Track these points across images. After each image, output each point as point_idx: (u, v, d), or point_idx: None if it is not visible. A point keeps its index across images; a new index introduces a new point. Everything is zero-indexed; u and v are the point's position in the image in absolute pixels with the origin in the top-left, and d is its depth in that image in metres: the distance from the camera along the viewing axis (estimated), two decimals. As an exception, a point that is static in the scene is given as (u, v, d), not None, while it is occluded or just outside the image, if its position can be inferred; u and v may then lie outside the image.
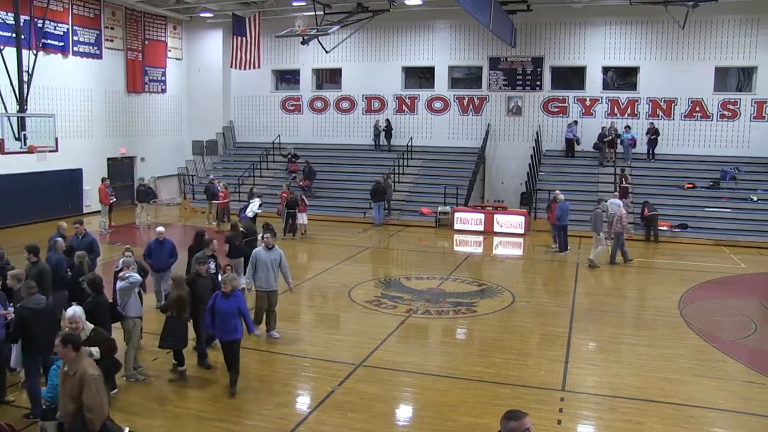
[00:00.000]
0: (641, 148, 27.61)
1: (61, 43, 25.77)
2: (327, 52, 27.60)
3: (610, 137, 27.53)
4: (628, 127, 27.67)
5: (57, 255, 11.77)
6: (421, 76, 32.34)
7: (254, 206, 21.26)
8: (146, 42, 30.43)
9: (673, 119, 28.01)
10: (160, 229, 13.53)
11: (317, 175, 29.14)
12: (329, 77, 33.93)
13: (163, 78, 32.00)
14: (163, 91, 32.17)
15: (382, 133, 31.07)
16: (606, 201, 20.33)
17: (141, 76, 30.36)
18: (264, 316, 12.05)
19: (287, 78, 34.35)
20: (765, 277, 18.41)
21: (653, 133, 27.16)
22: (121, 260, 10.70)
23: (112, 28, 28.46)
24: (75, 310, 7.62)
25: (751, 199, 24.38)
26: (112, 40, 28.50)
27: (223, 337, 9.56)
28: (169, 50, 32.29)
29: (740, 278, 18.26)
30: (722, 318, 14.28)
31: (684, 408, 9.34)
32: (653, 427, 8.68)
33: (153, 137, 31.59)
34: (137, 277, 9.98)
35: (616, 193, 22.38)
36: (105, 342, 7.91)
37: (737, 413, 9.24)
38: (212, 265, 11.57)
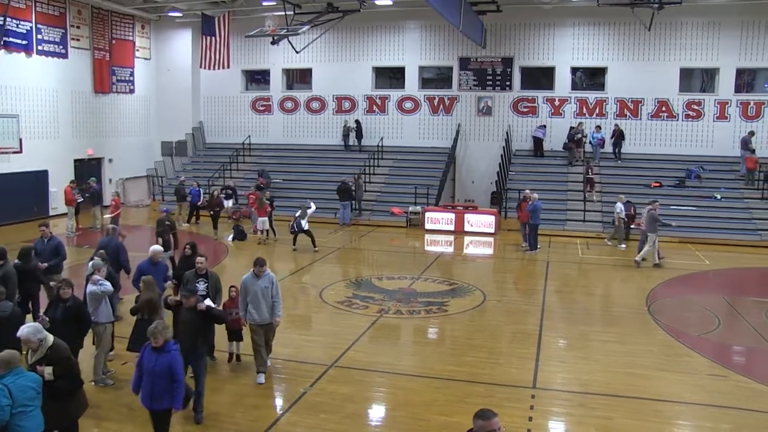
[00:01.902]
0: (609, 148, 27.95)
1: (25, 42, 25.32)
2: (297, 52, 27.51)
3: (579, 136, 27.83)
4: (598, 127, 28.01)
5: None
6: (391, 76, 32.39)
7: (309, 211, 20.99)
8: (113, 41, 30.03)
9: (640, 119, 28.45)
10: (156, 248, 11.89)
11: (290, 176, 29.09)
12: (299, 77, 33.82)
13: (131, 78, 31.62)
14: (132, 91, 31.79)
15: (352, 133, 31.06)
16: (657, 202, 20.43)
17: (108, 76, 29.97)
18: (261, 353, 10.05)
19: (257, 78, 34.17)
20: (729, 274, 18.78)
21: (618, 136, 27.46)
22: (90, 263, 10.51)
23: (78, 27, 28.03)
24: (27, 330, 6.95)
25: (715, 198, 24.84)
26: (78, 39, 28.07)
27: (147, 404, 7.52)
28: (137, 50, 31.91)
29: (705, 275, 18.59)
30: (688, 314, 14.54)
31: (652, 402, 9.50)
32: (622, 422, 8.82)
33: (121, 138, 31.19)
34: (109, 287, 9.83)
35: (622, 196, 22.43)
36: (62, 362, 7.01)
37: (702, 405, 9.45)
38: (202, 287, 10.32)
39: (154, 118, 33.43)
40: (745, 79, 28.31)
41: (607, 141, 27.97)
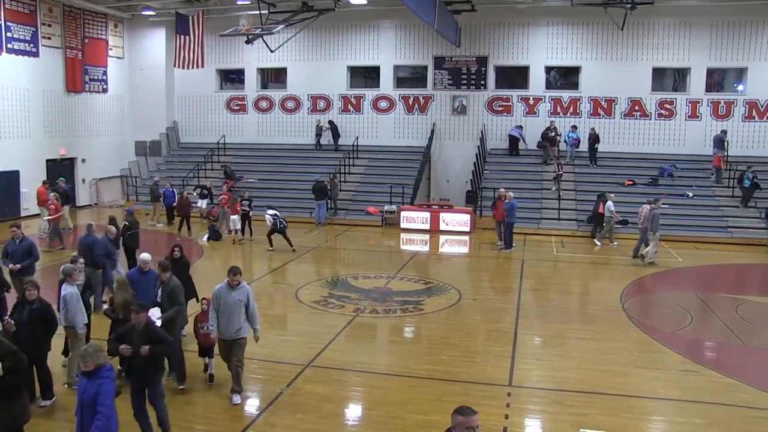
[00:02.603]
0: (584, 147, 28.14)
1: (-6, 40, 24.93)
2: (272, 51, 27.38)
3: (552, 134, 28.01)
4: (574, 127, 28.18)
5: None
6: (366, 76, 32.36)
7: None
8: (86, 40, 29.62)
9: (614, 118, 28.73)
10: (145, 256, 10.86)
11: (265, 175, 29.01)
12: (274, 77, 33.68)
13: (104, 77, 31.22)
14: (105, 90, 31.38)
15: (326, 133, 30.97)
16: (660, 200, 20.61)
17: (81, 75, 29.54)
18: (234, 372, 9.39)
19: (232, 77, 33.95)
20: (701, 270, 19.01)
21: (594, 140, 27.58)
22: (61, 268, 10.17)
23: (49, 25, 27.58)
24: None
25: (687, 195, 25.14)
26: (49, 38, 27.62)
27: None
28: (111, 49, 31.51)
29: (678, 272, 18.82)
30: (662, 311, 14.73)
31: (626, 398, 9.58)
32: (597, 418, 8.88)
33: (94, 138, 30.78)
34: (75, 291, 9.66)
35: (611, 195, 22.64)
36: (8, 356, 6.87)
37: (674, 401, 9.56)
38: (160, 293, 9.77)
39: (127, 117, 33.05)
40: (716, 79, 28.80)
41: (584, 143, 28.10)
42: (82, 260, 11.51)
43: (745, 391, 9.85)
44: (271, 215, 20.40)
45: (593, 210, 23.30)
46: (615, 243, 22.11)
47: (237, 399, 9.23)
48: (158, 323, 9.11)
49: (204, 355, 10.07)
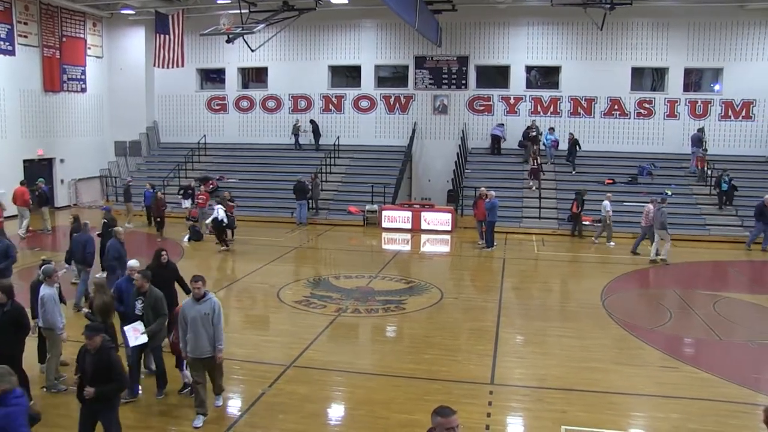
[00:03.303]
0: (563, 146, 28.28)
1: (-32, 38, 24.59)
2: (252, 50, 27.22)
3: (534, 134, 28.15)
4: (552, 129, 28.30)
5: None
6: (347, 75, 32.33)
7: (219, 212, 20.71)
8: (64, 39, 29.29)
9: (594, 117, 28.95)
10: (134, 263, 10.41)
11: (246, 175, 28.98)
12: (255, 76, 33.55)
13: (82, 77, 30.91)
14: (83, 90, 31.06)
15: (306, 133, 30.88)
16: (666, 200, 21.07)
17: (59, 75, 29.20)
18: (199, 392, 8.70)
19: (212, 77, 33.77)
20: (680, 268, 19.20)
21: (572, 144, 27.57)
22: (41, 269, 10.03)
23: (25, 24, 27.24)
24: None
25: (666, 194, 25.34)
26: (26, 36, 27.29)
27: None
28: (89, 48, 31.18)
29: (657, 269, 19.00)
30: (641, 308, 14.89)
31: (606, 395, 9.67)
32: (578, 415, 8.96)
33: (73, 138, 30.45)
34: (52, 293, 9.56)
35: (609, 195, 22.82)
36: None
37: (654, 397, 9.68)
38: (139, 306, 9.34)
39: (107, 117, 32.74)
40: (693, 79, 29.16)
41: (563, 144, 28.21)
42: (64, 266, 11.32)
43: (721, 386, 10.01)
44: (218, 215, 20.37)
45: (570, 209, 23.52)
46: (612, 242, 22.27)
47: (199, 422, 8.60)
48: (143, 338, 9.02)
49: (180, 366, 9.65)
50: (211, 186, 26.82)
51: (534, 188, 26.45)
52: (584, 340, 12.22)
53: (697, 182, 26.33)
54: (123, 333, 9.15)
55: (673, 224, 23.27)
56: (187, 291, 10.96)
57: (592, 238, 22.86)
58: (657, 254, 19.48)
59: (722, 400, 9.45)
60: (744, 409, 9.12)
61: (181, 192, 25.99)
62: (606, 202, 22.10)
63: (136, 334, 8.98)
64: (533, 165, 26.88)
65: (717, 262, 20.21)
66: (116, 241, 13.50)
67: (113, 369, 7.23)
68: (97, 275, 14.89)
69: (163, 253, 11.23)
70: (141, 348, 9.28)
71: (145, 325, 9.11)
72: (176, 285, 11.12)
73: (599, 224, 23.44)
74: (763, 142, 27.76)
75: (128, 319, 9.36)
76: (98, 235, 16.17)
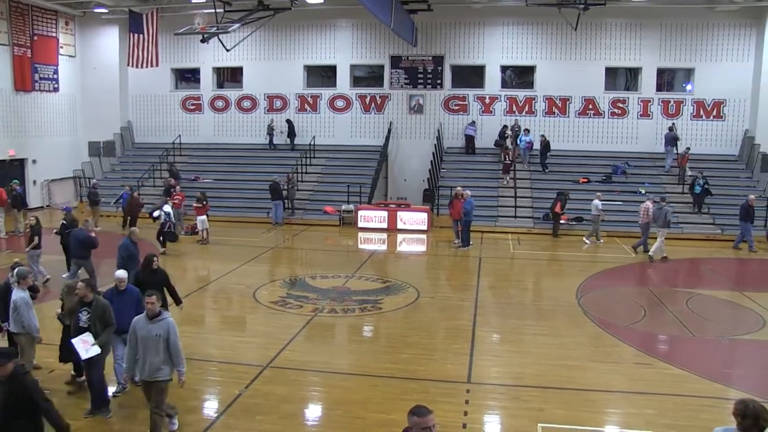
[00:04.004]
0: (539, 147, 28.46)
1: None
2: (228, 50, 27.06)
3: (509, 134, 28.29)
4: (527, 130, 28.39)
5: None
6: (323, 75, 32.25)
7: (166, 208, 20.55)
8: (35, 37, 28.83)
9: (568, 116, 29.17)
10: (122, 274, 9.76)
11: (221, 175, 28.75)
12: (230, 76, 33.32)
13: (55, 76, 30.46)
14: (56, 89, 30.62)
15: (282, 134, 30.75)
16: (666, 199, 21.36)
17: (30, 74, 28.75)
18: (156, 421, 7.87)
19: (187, 77, 33.49)
20: (654, 266, 19.41)
21: (544, 146, 27.61)
22: (15, 271, 9.87)
23: (-6, 22, 26.87)
24: None
25: (640, 192, 25.61)
26: (-5, 35, 26.92)
27: None
28: (61, 47, 30.72)
29: (632, 267, 19.23)
30: (616, 305, 15.02)
31: (583, 392, 9.75)
32: (555, 413, 9.01)
33: (46, 138, 29.99)
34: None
35: (599, 194, 23.11)
36: None
37: (628, 393, 9.76)
38: (84, 318, 8.73)
39: (80, 117, 32.32)
40: (666, 79, 29.53)
41: (538, 147, 28.36)
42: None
43: (694, 381, 10.15)
44: (165, 212, 20.23)
45: (551, 208, 23.64)
46: (601, 240, 22.46)
47: (174, 425, 8.28)
48: (95, 350, 8.52)
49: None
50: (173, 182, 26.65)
51: (508, 179, 26.85)
52: (560, 338, 12.30)
53: (678, 182, 26.47)
54: (72, 347, 8.69)
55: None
56: (177, 300, 11.07)
57: (584, 238, 22.87)
58: (657, 250, 19.81)
59: (695, 395, 9.59)
60: (715, 403, 9.26)
61: (164, 193, 25.63)
62: (596, 201, 22.35)
63: (86, 346, 8.50)
64: (505, 160, 27.20)
65: (690, 260, 20.45)
66: (128, 241, 13.67)
67: (31, 395, 6.32)
68: (63, 275, 15.01)
69: (155, 258, 11.00)
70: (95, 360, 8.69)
71: (93, 337, 8.59)
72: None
73: (574, 222, 23.68)
74: (733, 141, 28.20)
75: (75, 332, 8.75)
76: (56, 233, 16.37)
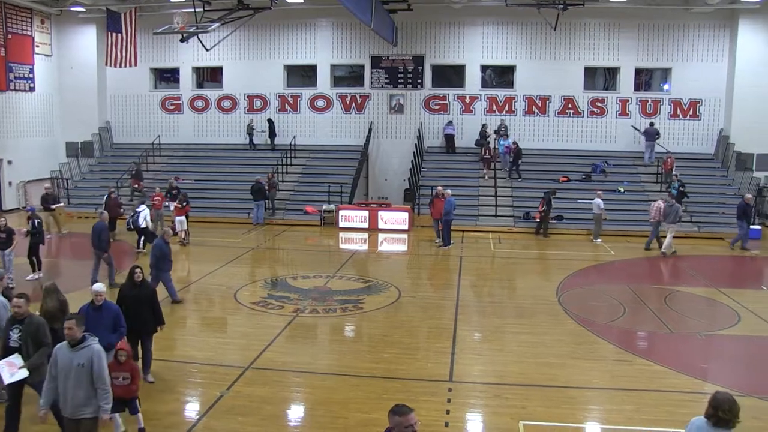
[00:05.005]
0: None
1: None
2: (207, 50, 26.85)
3: (488, 135, 28.39)
4: (506, 135, 28.38)
5: None
6: (303, 75, 32.16)
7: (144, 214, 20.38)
8: (9, 36, 28.42)
9: (548, 116, 29.36)
10: (99, 287, 8.98)
11: (201, 176, 28.62)
12: (210, 76, 33.13)
13: (30, 75, 30.05)
14: (32, 89, 30.21)
15: (263, 133, 30.64)
16: (673, 196, 21.96)
17: (5, 73, 28.32)
18: None
19: (166, 77, 33.26)
20: (633, 263, 19.60)
21: (516, 154, 27.43)
22: None
23: (-33, 20, 26.46)
24: None
25: (619, 191, 25.87)
26: (-33, 33, 26.52)
27: None
28: (37, 45, 30.29)
29: (611, 265, 19.40)
30: (596, 303, 15.12)
31: (564, 390, 9.83)
32: (536, 410, 9.07)
33: (21, 138, 29.60)
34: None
35: (600, 192, 23.21)
36: None
37: (609, 390, 9.91)
38: (15, 336, 7.88)
39: (57, 117, 31.93)
40: (644, 78, 29.85)
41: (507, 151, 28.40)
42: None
43: (672, 377, 10.29)
44: (142, 214, 20.13)
45: (539, 208, 23.79)
46: (598, 239, 22.61)
47: None
48: (22, 373, 7.67)
49: (122, 410, 8.12)
50: (136, 186, 26.45)
51: (487, 177, 27.07)
52: (541, 336, 12.38)
53: (661, 181, 26.63)
54: None
55: (627, 221, 23.92)
56: (159, 319, 10.17)
57: (591, 239, 22.89)
58: (668, 246, 20.40)
59: (673, 391, 9.71)
60: (693, 398, 9.36)
61: (168, 195, 25.32)
62: (598, 200, 22.50)
63: (12, 370, 7.61)
64: (485, 155, 27.42)
65: (668, 257, 20.62)
66: (162, 241, 14.16)
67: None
68: (27, 277, 15.13)
69: (137, 270, 10.05)
70: (20, 385, 7.84)
71: (24, 359, 7.73)
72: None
73: (555, 221, 23.83)
74: (709, 140, 28.54)
75: (4, 353, 7.93)
76: (26, 233, 16.48)
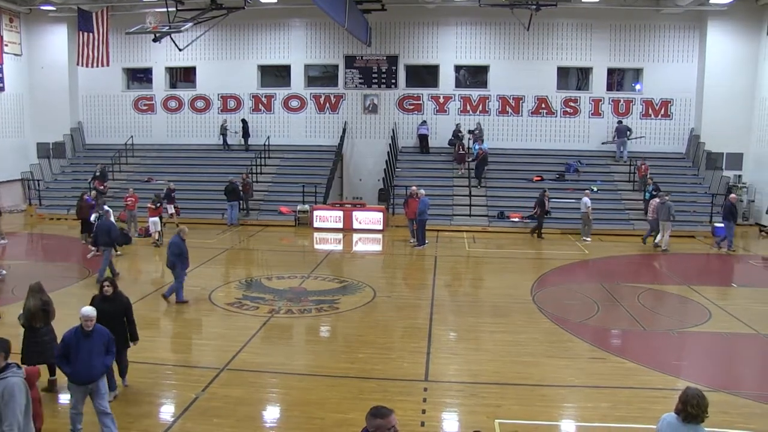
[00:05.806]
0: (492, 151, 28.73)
1: None
2: (180, 50, 26.54)
3: (461, 135, 28.48)
4: (481, 140, 28.39)
5: None
6: (277, 75, 31.99)
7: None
8: (-24, 35, 28.00)
9: (522, 115, 29.54)
10: (88, 311, 8.02)
11: (175, 176, 28.28)
12: (183, 76, 32.83)
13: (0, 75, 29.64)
14: (1, 89, 29.69)
15: (237, 134, 30.45)
16: (669, 194, 22.21)
17: (-28, 73, 27.92)
18: None
19: (139, 77, 32.89)
20: (606, 262, 19.78)
21: (482, 160, 27.39)
22: None
23: (-68, 18, 25.89)
24: None
25: (592, 190, 26.06)
26: (-67, 32, 25.96)
27: None
28: (6, 45, 29.73)
29: (585, 263, 19.56)
30: (570, 302, 15.22)
31: (538, 388, 9.89)
32: (511, 408, 9.11)
33: (-10, 139, 29.18)
34: None
35: (587, 192, 23.58)
36: None
37: (583, 387, 9.97)
38: None
39: (28, 118, 31.44)
40: (616, 78, 30.15)
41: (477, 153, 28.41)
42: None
43: (645, 374, 10.41)
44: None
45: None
46: (588, 238, 22.76)
47: None
48: None
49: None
50: (101, 187, 26.13)
51: (462, 170, 27.28)
52: (516, 335, 12.44)
53: (635, 181, 26.94)
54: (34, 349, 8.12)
55: (599, 219, 24.08)
56: (133, 335, 9.69)
57: (582, 238, 23.01)
58: (663, 242, 21.02)
59: (647, 388, 9.82)
60: (666, 394, 9.44)
61: (166, 198, 24.99)
62: (586, 199, 22.70)
63: None
64: (459, 151, 27.67)
65: (640, 255, 20.87)
66: (178, 238, 14.55)
67: None
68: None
69: (106, 284, 9.47)
70: None
71: None
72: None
73: (528, 221, 23.98)
74: (680, 139, 28.92)
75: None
76: None
